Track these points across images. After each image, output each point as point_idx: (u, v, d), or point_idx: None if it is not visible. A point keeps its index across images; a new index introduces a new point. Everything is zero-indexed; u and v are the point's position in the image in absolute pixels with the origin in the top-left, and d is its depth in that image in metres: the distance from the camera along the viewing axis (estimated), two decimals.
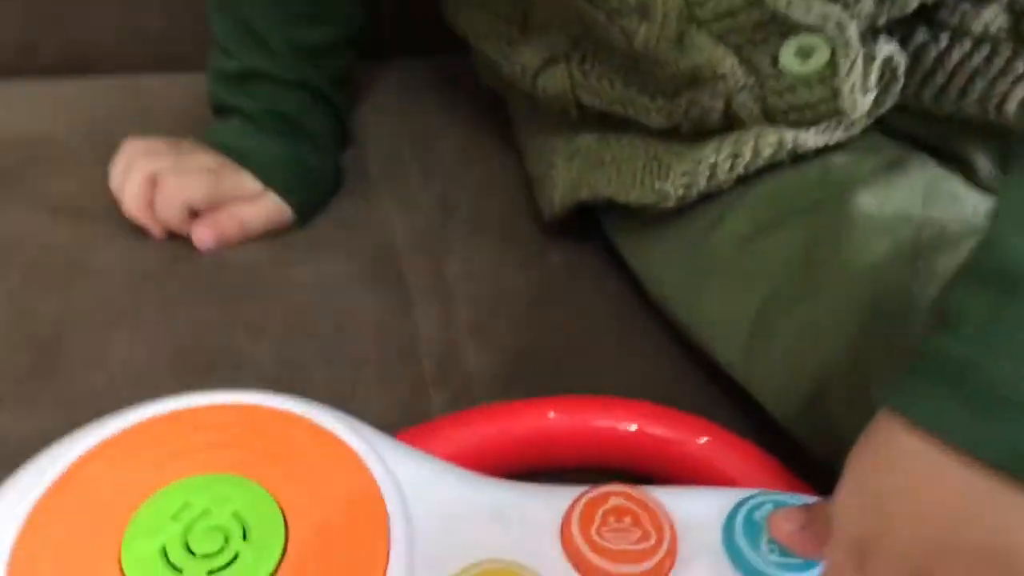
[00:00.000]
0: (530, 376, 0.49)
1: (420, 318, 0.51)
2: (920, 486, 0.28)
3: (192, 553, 0.32)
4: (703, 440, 0.41)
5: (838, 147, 0.46)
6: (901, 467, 0.29)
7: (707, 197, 0.47)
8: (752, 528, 0.35)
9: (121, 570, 0.32)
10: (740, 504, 0.36)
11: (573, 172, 0.51)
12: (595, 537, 0.34)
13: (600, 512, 0.35)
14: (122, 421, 0.36)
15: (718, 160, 0.45)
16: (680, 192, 0.46)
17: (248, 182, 0.54)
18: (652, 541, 0.34)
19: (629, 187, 0.48)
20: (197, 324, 0.49)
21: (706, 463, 0.41)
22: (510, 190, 0.59)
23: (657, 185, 0.46)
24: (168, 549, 0.32)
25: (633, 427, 0.42)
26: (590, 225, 0.56)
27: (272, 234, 0.55)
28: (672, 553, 0.34)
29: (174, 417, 0.37)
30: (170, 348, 0.48)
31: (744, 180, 0.46)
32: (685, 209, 0.47)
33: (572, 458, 0.42)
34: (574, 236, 0.56)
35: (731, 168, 0.45)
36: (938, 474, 0.28)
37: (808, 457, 0.42)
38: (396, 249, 0.55)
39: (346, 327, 0.50)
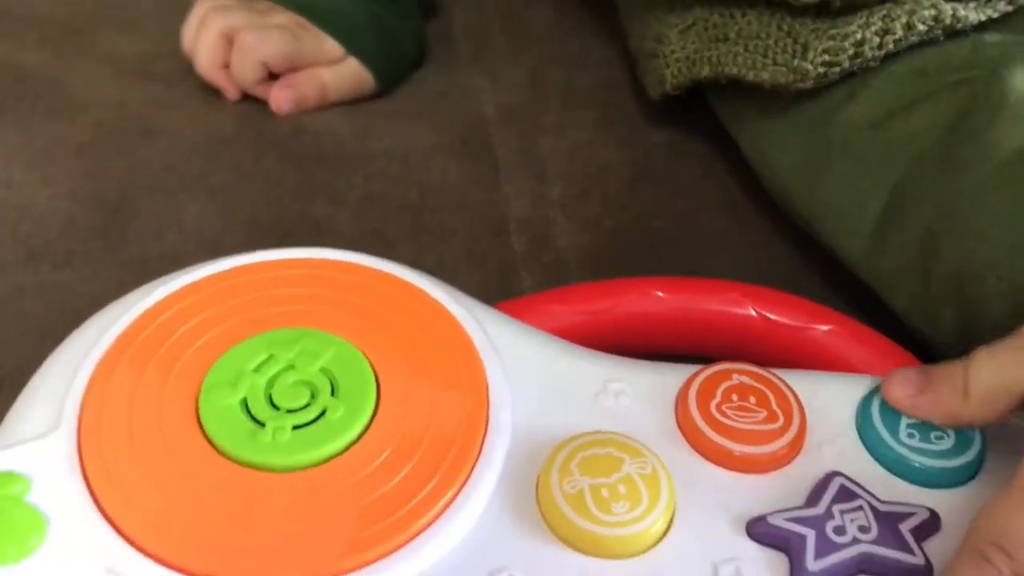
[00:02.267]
0: (625, 258, 0.45)
1: (510, 193, 0.48)
2: None
3: (276, 407, 0.30)
4: (826, 328, 0.37)
5: (993, 24, 0.41)
6: None
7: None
8: (890, 412, 0.31)
9: (198, 421, 0.29)
10: (877, 388, 0.32)
11: (689, 48, 0.47)
12: (715, 413, 0.31)
13: (721, 388, 0.31)
14: (202, 270, 0.33)
15: (866, 36, 0.40)
16: (821, 70, 0.41)
17: (329, 45, 0.51)
18: (779, 423, 0.30)
19: (761, 65, 0.43)
20: (273, 190, 0.46)
21: (831, 352, 0.37)
22: (606, 66, 0.55)
23: (796, 63, 0.42)
24: (250, 402, 0.30)
25: (751, 311, 0.38)
26: (696, 106, 0.51)
27: (351, 102, 0.52)
28: (801, 437, 0.31)
29: (259, 268, 0.34)
30: (244, 215, 0.45)
31: (886, 56, 0.41)
32: (812, 88, 0.43)
33: (679, 343, 0.39)
34: (678, 117, 0.52)
35: (880, 45, 0.40)
36: None
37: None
38: (484, 122, 0.51)
39: (431, 200, 0.47)
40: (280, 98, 0.50)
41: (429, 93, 0.53)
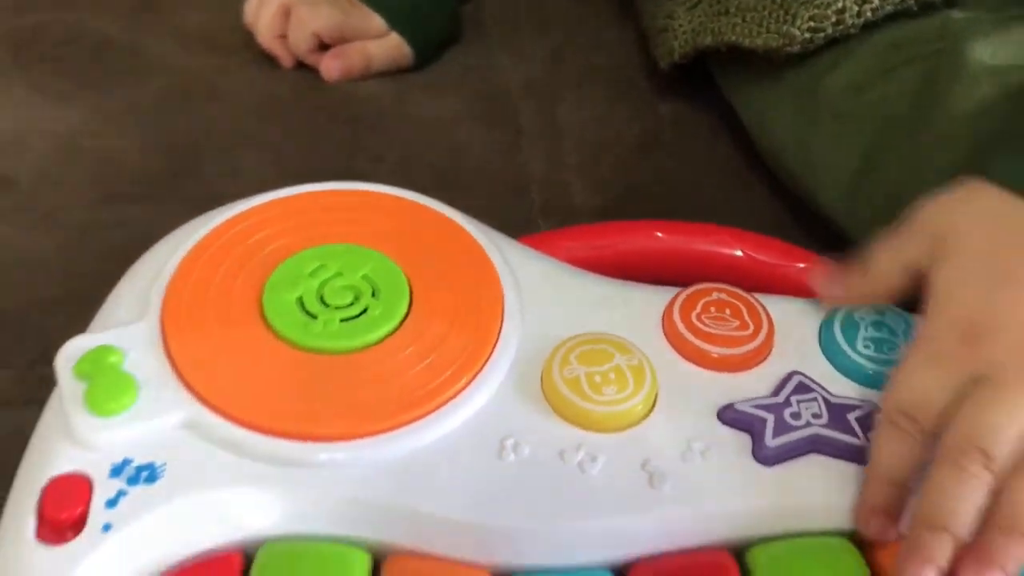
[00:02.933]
0: (633, 215, 0.50)
1: (530, 157, 0.53)
2: None
3: (326, 305, 0.35)
4: (802, 265, 0.42)
5: (962, 2, 0.46)
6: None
7: (824, 44, 0.47)
8: (851, 326, 0.36)
9: (262, 315, 0.35)
10: (839, 309, 0.37)
11: (696, 21, 0.53)
12: (695, 322, 0.36)
13: (701, 302, 0.37)
14: (268, 195, 0.39)
15: (846, 4, 0.46)
16: (807, 35, 0.47)
17: (375, 21, 0.57)
18: (750, 331, 0.36)
19: (755, 32, 0.49)
20: (321, 147, 0.53)
21: (804, 285, 0.42)
22: (622, 46, 0.60)
23: (785, 28, 0.47)
24: (304, 300, 0.35)
25: (737, 251, 0.43)
26: (703, 85, 0.57)
27: (392, 73, 0.58)
28: (768, 343, 0.36)
29: (313, 196, 0.40)
30: (296, 166, 0.51)
31: (865, 27, 0.47)
32: (801, 56, 0.48)
33: (674, 276, 0.44)
34: (686, 92, 0.57)
35: (859, 13, 0.46)
36: None
37: None
38: (509, 94, 0.57)
39: (460, 160, 0.53)
40: (330, 67, 0.56)
41: (460, 68, 0.59)
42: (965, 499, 0.31)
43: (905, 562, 0.30)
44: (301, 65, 0.57)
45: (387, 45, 0.57)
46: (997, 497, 0.31)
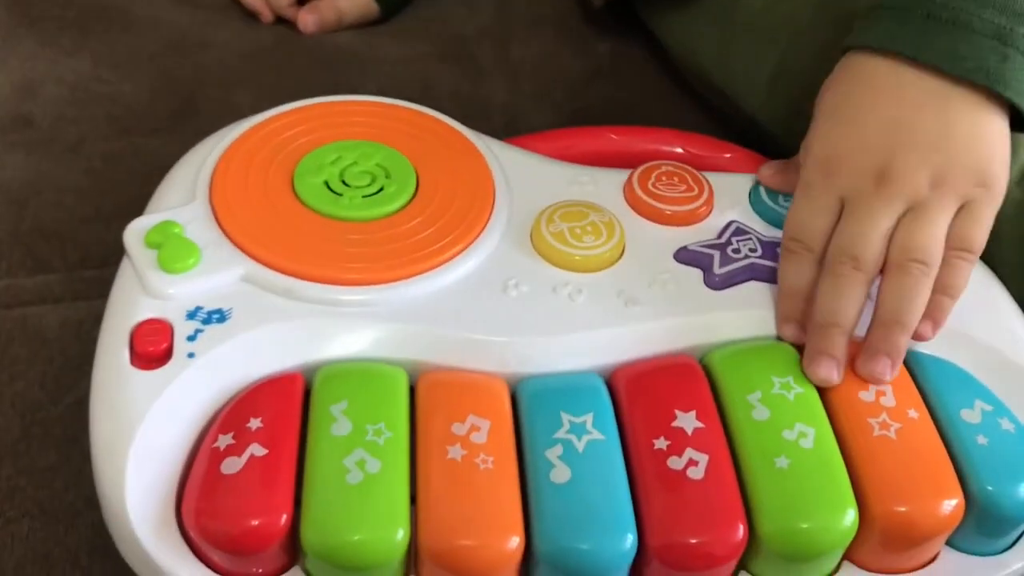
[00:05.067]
0: None
1: (491, 88, 0.61)
2: (879, 94, 0.40)
3: (348, 185, 0.43)
4: (729, 155, 0.51)
5: None
6: (864, 84, 0.40)
7: None
8: (772, 191, 0.45)
9: (295, 194, 0.42)
10: None
11: None
12: (651, 188, 0.44)
13: (655, 174, 0.45)
14: (286, 106, 0.46)
15: None
16: None
17: None
18: (695, 192, 0.44)
19: None
20: (307, 85, 0.58)
21: (734, 171, 0.50)
22: None
23: None
24: (329, 182, 0.42)
25: (678, 148, 0.51)
26: (633, 27, 0.65)
27: (361, 26, 0.65)
28: (710, 202, 0.44)
29: (326, 105, 0.47)
30: (287, 101, 0.58)
31: None
32: None
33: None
34: (619, 32, 0.66)
35: None
36: (893, 79, 0.39)
37: None
38: (466, 38, 0.65)
39: (431, 92, 0.60)
40: (306, 20, 0.63)
41: (421, 19, 0.66)
42: (844, 297, 0.39)
43: (806, 358, 0.38)
44: (280, 21, 0.64)
45: (357, 2, 0.64)
46: (877, 298, 0.40)
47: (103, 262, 0.48)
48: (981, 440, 0.37)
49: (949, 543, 0.38)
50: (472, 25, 0.66)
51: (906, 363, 0.39)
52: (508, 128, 0.58)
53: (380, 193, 0.42)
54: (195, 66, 0.60)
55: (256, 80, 0.59)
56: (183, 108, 0.57)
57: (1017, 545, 0.38)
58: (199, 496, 0.34)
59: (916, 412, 0.37)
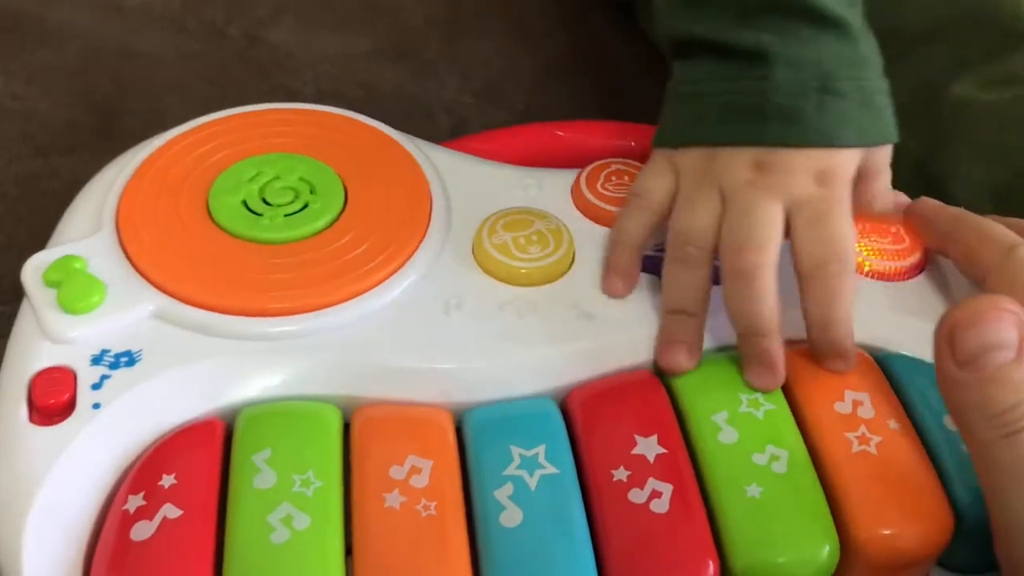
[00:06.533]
0: None
1: (437, 86, 0.57)
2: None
3: (268, 204, 0.39)
4: None
5: None
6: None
7: None
8: None
9: (211, 217, 0.38)
10: None
11: None
12: (600, 190, 0.41)
13: (603, 175, 0.42)
14: (205, 118, 0.43)
15: None
16: None
17: None
18: None
19: None
20: (240, 91, 0.55)
21: None
22: None
23: None
24: (248, 201, 0.39)
25: (632, 142, 0.48)
26: (591, 19, 0.62)
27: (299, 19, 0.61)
28: None
29: (244, 116, 0.43)
30: (217, 108, 0.54)
31: None
32: None
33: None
34: (571, 29, 0.62)
35: None
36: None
37: None
38: (413, 32, 0.61)
39: (373, 92, 0.56)
40: None
41: (366, 9, 0.63)
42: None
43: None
44: (209, 28, 0.60)
45: None
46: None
47: (17, 296, 0.45)
48: (966, 448, 0.34)
49: (939, 561, 0.34)
50: (419, 16, 0.62)
51: (884, 367, 0.36)
52: (454, 131, 0.54)
53: (304, 211, 0.39)
54: (119, 76, 0.56)
55: (184, 91, 0.55)
56: (104, 121, 0.53)
57: None
58: (108, 567, 0.30)
59: (897, 423, 0.34)
